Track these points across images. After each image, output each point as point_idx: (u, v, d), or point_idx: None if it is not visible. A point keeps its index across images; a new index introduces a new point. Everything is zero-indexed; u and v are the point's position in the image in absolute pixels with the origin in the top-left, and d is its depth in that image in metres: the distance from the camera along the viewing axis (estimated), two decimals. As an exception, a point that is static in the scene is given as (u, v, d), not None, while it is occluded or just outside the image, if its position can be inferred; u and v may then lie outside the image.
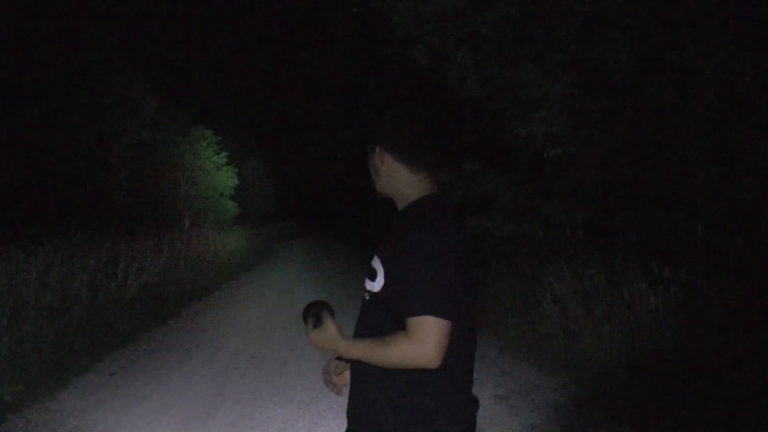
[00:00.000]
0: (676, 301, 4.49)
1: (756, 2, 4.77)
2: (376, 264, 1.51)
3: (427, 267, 1.38)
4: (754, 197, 5.24)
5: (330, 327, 1.53)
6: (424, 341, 1.35)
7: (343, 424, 1.65)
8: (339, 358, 1.73)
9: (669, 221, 5.86)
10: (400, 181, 1.60)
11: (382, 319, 1.49)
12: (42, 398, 4.45)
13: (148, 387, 4.83)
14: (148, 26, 15.85)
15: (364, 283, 1.59)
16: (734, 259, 4.90)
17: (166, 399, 4.55)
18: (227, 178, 18.12)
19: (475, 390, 1.58)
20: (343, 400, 1.66)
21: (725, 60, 4.93)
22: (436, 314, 1.35)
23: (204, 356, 5.81)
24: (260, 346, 6.20)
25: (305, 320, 1.60)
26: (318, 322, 1.55)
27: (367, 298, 1.56)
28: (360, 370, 1.57)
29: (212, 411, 4.30)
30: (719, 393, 3.80)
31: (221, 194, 18.14)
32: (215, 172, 17.42)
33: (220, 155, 17.58)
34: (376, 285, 1.50)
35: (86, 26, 11.43)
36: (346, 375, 1.76)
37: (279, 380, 5.04)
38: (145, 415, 4.21)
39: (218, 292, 10.20)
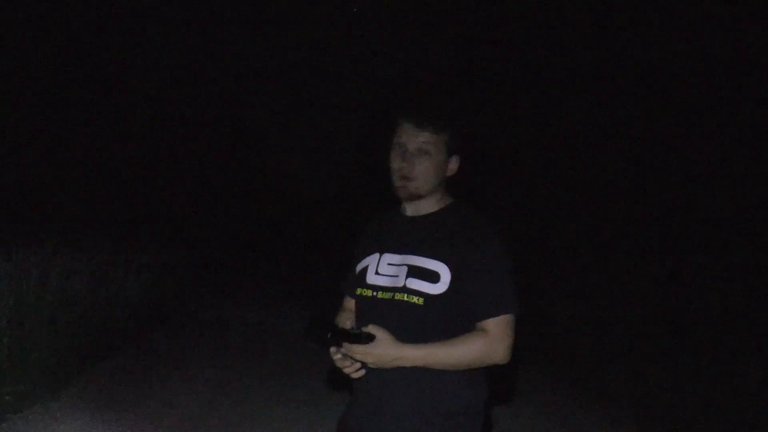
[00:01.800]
0: (675, 299, 4.50)
1: (757, 2, 4.77)
2: (437, 266, 1.47)
3: (504, 267, 1.46)
4: (754, 196, 5.25)
5: (385, 337, 1.42)
6: (503, 339, 1.43)
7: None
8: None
9: (668, 220, 5.87)
10: (445, 186, 1.62)
11: (437, 320, 1.46)
12: (42, 398, 4.44)
13: (148, 387, 4.83)
14: (149, 25, 15.84)
15: (406, 286, 1.50)
16: (734, 258, 4.90)
17: (166, 399, 4.55)
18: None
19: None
20: (344, 400, 1.65)
21: (726, 60, 4.93)
22: (514, 312, 1.45)
23: (204, 356, 5.81)
24: (260, 346, 6.20)
25: (314, 340, 1.45)
26: (360, 337, 1.41)
27: (419, 302, 1.47)
28: (383, 377, 1.49)
29: (212, 411, 4.30)
30: (720, 392, 3.80)
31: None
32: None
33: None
34: (438, 287, 1.46)
35: (87, 24, 11.43)
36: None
37: (279, 380, 5.04)
38: (145, 415, 4.20)
39: (218, 292, 10.19)
